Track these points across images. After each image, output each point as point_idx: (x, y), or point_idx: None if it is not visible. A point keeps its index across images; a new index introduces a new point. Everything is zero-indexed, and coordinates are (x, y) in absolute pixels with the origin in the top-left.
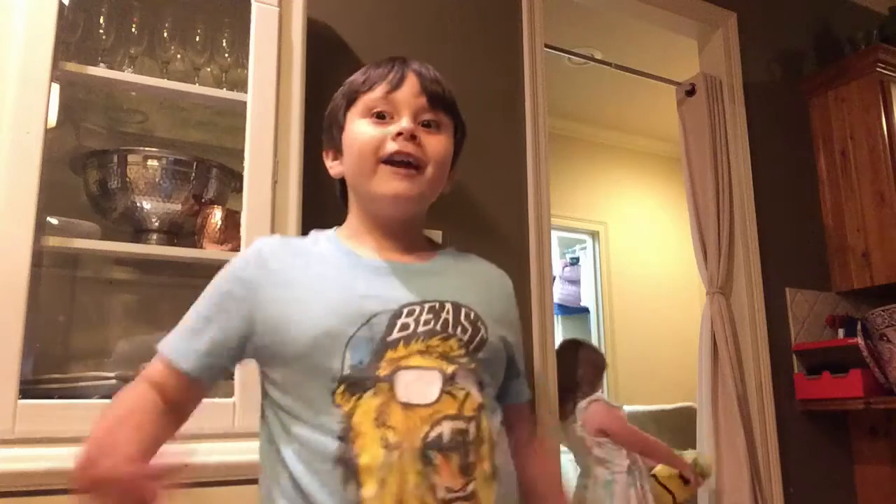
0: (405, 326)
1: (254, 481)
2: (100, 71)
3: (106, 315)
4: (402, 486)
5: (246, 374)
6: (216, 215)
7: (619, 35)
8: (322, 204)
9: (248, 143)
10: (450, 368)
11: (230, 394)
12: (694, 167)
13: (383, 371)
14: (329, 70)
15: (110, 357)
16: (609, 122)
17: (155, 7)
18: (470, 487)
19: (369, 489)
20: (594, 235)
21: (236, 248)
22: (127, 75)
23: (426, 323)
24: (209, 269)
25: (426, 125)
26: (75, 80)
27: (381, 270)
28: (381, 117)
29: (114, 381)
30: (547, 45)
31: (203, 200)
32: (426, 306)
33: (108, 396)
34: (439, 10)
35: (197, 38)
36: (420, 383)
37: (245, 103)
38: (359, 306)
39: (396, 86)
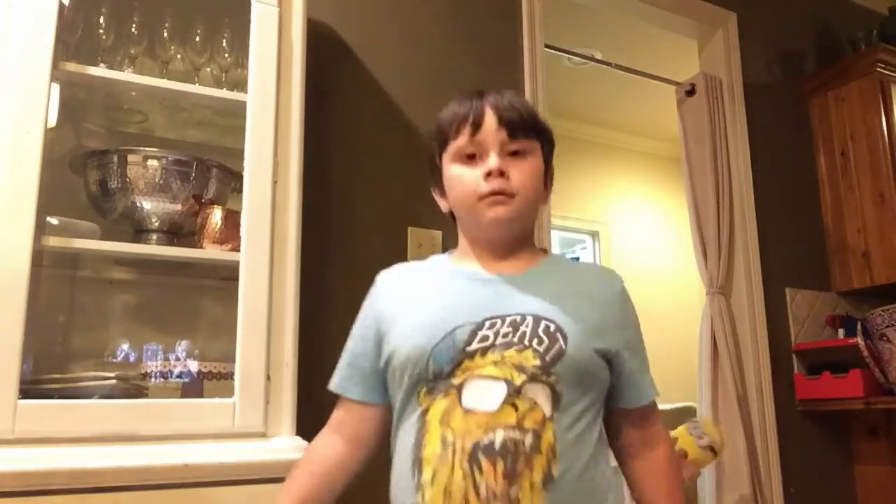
0: (485, 338)
1: (254, 481)
2: (100, 71)
3: (106, 315)
4: (450, 479)
5: (246, 374)
6: (216, 215)
7: (619, 35)
8: (322, 204)
9: (248, 143)
10: (520, 379)
11: (230, 394)
12: (694, 167)
13: (457, 379)
14: (329, 70)
15: (110, 357)
16: (609, 122)
17: (155, 7)
18: (512, 493)
19: (426, 476)
20: (594, 235)
21: (236, 248)
22: (127, 75)
23: (504, 335)
24: (209, 269)
25: (513, 154)
26: (75, 80)
27: (479, 283)
28: (471, 157)
29: (114, 381)
30: (547, 45)
31: (203, 200)
32: (507, 319)
33: (109, 396)
34: (439, 11)
35: (197, 38)
36: (484, 392)
37: (245, 103)
38: (443, 320)
39: (477, 127)
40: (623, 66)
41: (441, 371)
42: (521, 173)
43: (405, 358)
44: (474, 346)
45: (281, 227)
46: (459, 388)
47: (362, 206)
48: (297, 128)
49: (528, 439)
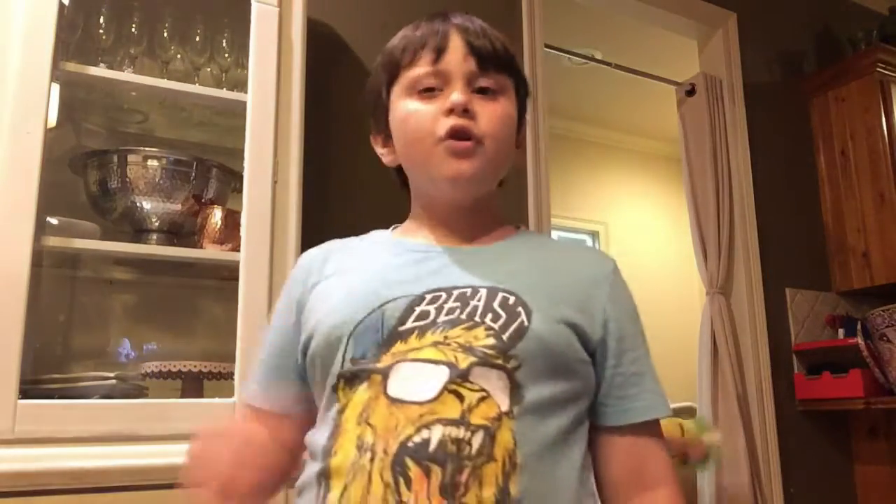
0: (424, 315)
1: None
2: (100, 71)
3: (106, 315)
4: (365, 497)
5: (246, 374)
6: (216, 215)
7: (619, 35)
8: (322, 204)
9: (248, 143)
10: (466, 362)
11: (230, 394)
12: (694, 167)
13: (383, 362)
14: (329, 70)
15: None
16: (609, 122)
17: (155, 7)
18: None
19: (334, 494)
20: (594, 235)
21: (236, 248)
22: (127, 75)
23: (450, 311)
24: (209, 269)
25: (481, 92)
26: (75, 80)
27: (423, 256)
28: (429, 91)
29: (114, 381)
30: (547, 45)
31: (203, 200)
32: (455, 293)
33: (109, 396)
34: (439, 10)
35: (197, 38)
36: (419, 378)
37: (245, 103)
38: (373, 291)
39: (440, 54)
40: (623, 66)
41: (363, 356)
42: (492, 116)
43: (322, 342)
44: (409, 324)
45: (281, 227)
46: (385, 374)
47: (362, 206)
48: (297, 128)
49: (477, 440)
